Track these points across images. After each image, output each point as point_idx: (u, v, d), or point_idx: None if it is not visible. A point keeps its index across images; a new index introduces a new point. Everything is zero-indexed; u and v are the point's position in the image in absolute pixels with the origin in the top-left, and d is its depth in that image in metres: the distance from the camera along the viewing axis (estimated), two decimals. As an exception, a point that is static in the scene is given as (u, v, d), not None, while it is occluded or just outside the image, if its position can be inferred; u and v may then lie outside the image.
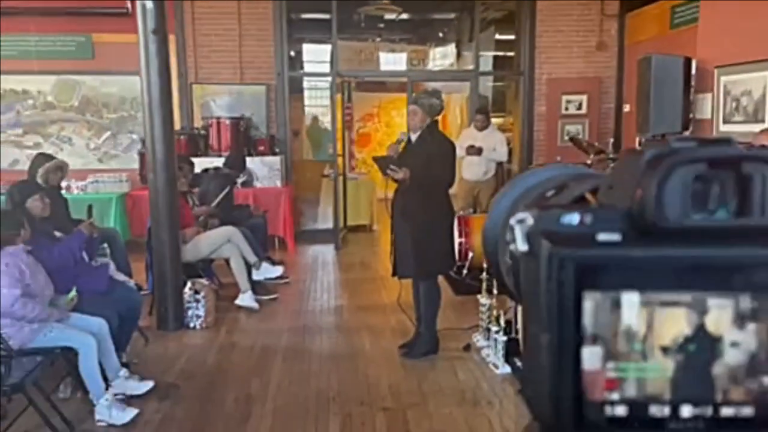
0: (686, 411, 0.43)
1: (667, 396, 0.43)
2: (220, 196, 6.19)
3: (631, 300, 0.42)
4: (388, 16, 11.13)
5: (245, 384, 4.09)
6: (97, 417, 3.56)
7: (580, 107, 8.41)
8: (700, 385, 0.43)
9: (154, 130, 4.99)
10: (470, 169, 7.03)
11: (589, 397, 0.42)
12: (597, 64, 8.43)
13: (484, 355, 4.42)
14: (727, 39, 5.34)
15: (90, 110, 8.14)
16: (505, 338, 4.24)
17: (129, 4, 7.41)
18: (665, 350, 0.42)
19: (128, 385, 3.67)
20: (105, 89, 8.11)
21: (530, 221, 0.44)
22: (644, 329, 0.42)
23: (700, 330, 0.42)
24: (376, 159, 4.44)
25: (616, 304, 0.42)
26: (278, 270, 6.01)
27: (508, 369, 4.16)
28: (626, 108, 8.33)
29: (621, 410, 0.43)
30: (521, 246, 0.44)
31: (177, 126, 7.34)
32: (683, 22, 7.06)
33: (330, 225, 8.56)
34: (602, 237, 0.42)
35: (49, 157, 5.50)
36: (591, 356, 0.42)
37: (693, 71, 5.63)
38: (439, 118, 4.51)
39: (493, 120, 8.23)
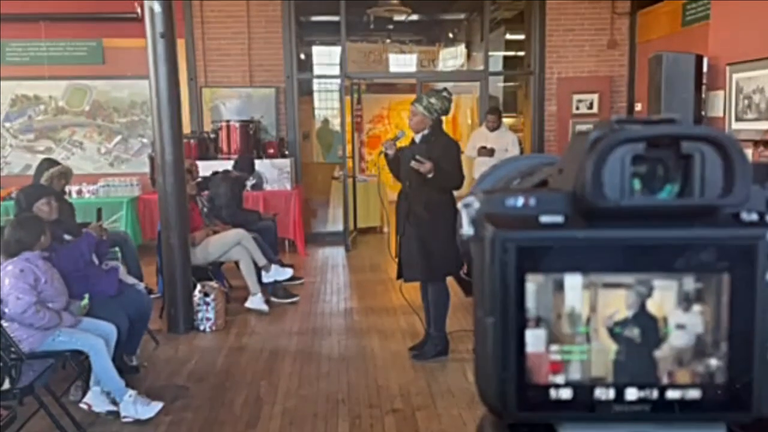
0: (631, 394, 0.42)
1: (612, 379, 0.42)
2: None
3: (573, 282, 0.41)
4: (398, 18, 11.14)
5: (254, 386, 4.10)
6: (123, 413, 3.61)
7: (591, 106, 8.35)
8: (644, 368, 0.42)
9: (162, 134, 5.02)
10: (482, 170, 6.95)
11: (534, 380, 0.42)
12: (608, 63, 8.38)
13: (494, 356, 4.39)
14: (739, 36, 5.28)
15: (101, 115, 8.21)
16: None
17: (139, 9, 7.47)
18: (609, 332, 0.42)
19: (137, 409, 3.67)
20: (115, 94, 8.18)
21: (476, 205, 0.43)
22: (588, 311, 0.41)
23: (642, 312, 0.42)
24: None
25: (559, 287, 0.41)
26: (288, 272, 6.01)
27: (517, 370, 4.13)
28: (638, 107, 8.26)
29: (566, 393, 0.42)
30: (467, 230, 0.44)
31: (187, 129, 7.40)
32: (695, 20, 6.99)
33: (340, 227, 8.58)
34: (545, 219, 0.41)
35: (55, 163, 5.55)
36: (534, 339, 0.41)
37: (705, 69, 5.58)
38: (444, 118, 4.44)
39: (505, 120, 8.19)
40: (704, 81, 5.59)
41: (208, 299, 5.18)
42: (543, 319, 0.41)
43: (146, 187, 7.75)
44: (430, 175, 4.08)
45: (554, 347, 0.41)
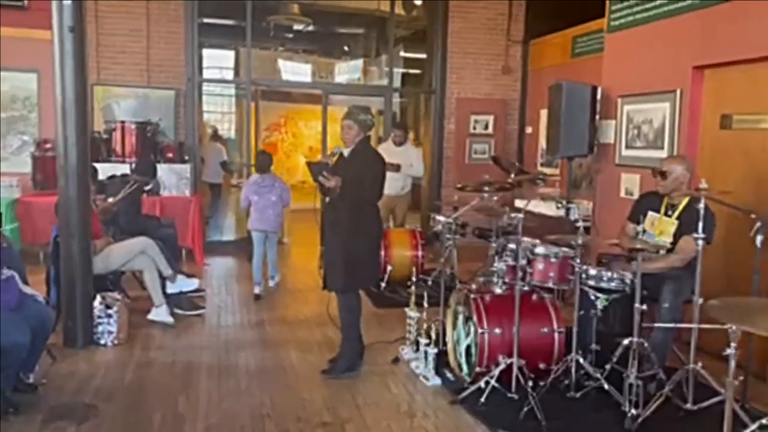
0: None
1: None
2: (125, 190, 5.85)
3: None
4: (297, 27, 11.13)
5: (171, 402, 3.91)
6: None
7: (486, 127, 8.77)
8: None
9: (66, 133, 4.70)
10: (388, 184, 7.00)
11: None
12: (503, 87, 8.84)
13: (413, 367, 4.48)
14: (630, 71, 5.79)
15: (-26, 108, 7.48)
16: (435, 351, 4.33)
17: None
18: None
19: None
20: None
21: None
22: None
23: None
24: (309, 164, 4.37)
25: None
26: (194, 283, 5.82)
27: (438, 381, 4.25)
28: (528, 130, 8.80)
29: None
30: None
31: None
32: (584, 52, 7.57)
33: (236, 236, 8.39)
34: None
35: None
36: None
37: (598, 98, 6.04)
38: (371, 133, 4.56)
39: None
40: (597, 110, 6.05)
41: (110, 311, 4.88)
42: None
43: (26, 189, 7.16)
44: (333, 185, 4.13)
45: None
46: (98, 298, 4.95)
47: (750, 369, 3.89)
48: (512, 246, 4.26)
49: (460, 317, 4.33)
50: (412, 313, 4.68)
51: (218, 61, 12.86)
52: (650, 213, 4.41)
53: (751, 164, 4.63)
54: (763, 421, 2.99)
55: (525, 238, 4.16)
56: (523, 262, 4.07)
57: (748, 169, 4.65)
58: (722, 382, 3.62)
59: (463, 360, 4.25)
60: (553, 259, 4.08)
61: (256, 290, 6.33)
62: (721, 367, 3.83)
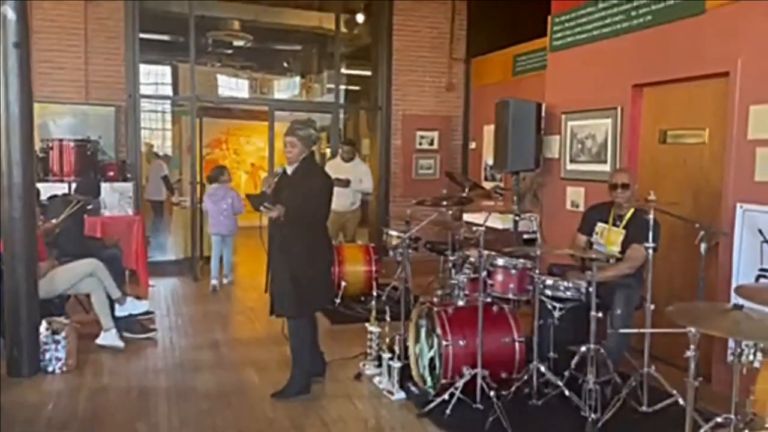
0: None
1: None
2: (68, 210, 5.63)
3: None
4: (237, 43, 11.05)
5: (129, 430, 3.78)
6: None
7: (432, 143, 8.92)
8: None
9: (11, 153, 4.52)
10: (338, 200, 7.01)
11: None
12: (447, 104, 9.02)
13: (377, 382, 4.50)
14: (573, 89, 6.04)
15: None
16: (399, 365, 4.35)
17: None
18: None
19: None
20: None
21: None
22: None
23: None
24: (249, 196, 4.17)
25: None
26: (144, 305, 5.65)
27: (403, 395, 4.27)
28: (472, 145, 9.01)
29: None
30: None
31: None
32: (524, 71, 7.83)
33: (180, 255, 8.20)
34: None
35: None
36: None
37: (543, 115, 6.26)
38: (315, 149, 4.40)
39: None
40: (542, 126, 6.27)
41: (57, 337, 4.69)
42: None
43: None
44: (276, 215, 3.94)
45: None
46: (44, 323, 4.75)
47: (700, 371, 4.10)
48: (472, 259, 4.35)
49: (423, 330, 4.38)
50: (372, 328, 4.70)
51: (155, 77, 12.60)
52: (599, 224, 4.61)
53: (689, 176, 4.91)
54: (719, 419, 3.15)
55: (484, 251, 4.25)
56: (484, 274, 4.17)
57: (685, 180, 4.93)
58: (675, 385, 3.83)
59: (426, 373, 4.30)
60: (512, 271, 4.19)
61: (213, 282, 7.32)
62: (670, 372, 4.07)
